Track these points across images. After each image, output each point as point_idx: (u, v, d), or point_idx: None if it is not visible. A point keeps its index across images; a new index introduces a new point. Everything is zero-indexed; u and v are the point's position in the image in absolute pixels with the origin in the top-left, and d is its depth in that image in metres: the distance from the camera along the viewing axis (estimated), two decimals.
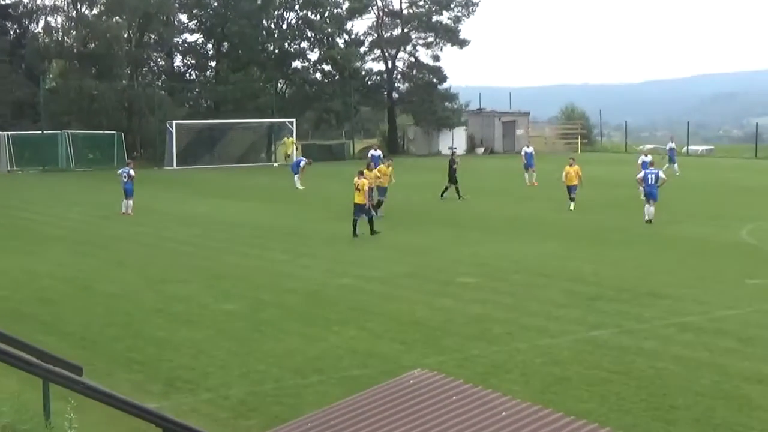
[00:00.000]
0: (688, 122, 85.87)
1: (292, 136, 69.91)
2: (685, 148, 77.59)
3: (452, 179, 43.22)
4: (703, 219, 34.62)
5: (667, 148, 57.30)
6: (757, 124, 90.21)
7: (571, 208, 37.61)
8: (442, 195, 43.47)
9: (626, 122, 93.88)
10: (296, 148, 67.84)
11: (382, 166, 38.60)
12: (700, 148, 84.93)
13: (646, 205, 34.52)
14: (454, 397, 7.64)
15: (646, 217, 34.17)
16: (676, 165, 54.96)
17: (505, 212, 37.59)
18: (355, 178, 32.51)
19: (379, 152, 53.06)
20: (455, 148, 49.98)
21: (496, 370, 15.90)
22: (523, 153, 50.27)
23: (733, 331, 18.44)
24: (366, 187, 32.13)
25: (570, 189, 38.61)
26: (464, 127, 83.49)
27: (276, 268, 26.01)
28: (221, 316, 20.30)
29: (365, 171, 33.99)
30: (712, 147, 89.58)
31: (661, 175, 35.73)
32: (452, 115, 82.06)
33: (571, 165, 39.04)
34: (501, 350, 17.11)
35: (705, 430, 13.05)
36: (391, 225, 34.72)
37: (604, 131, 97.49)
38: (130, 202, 38.17)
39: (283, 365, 16.34)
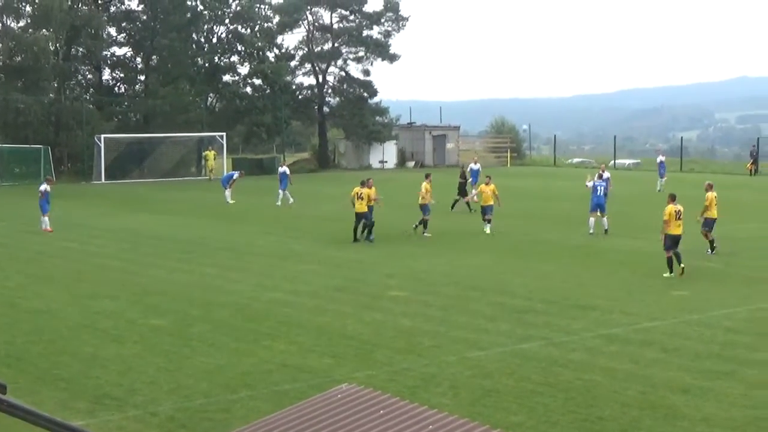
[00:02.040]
0: (615, 136, 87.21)
1: (214, 149, 69.56)
2: (612, 161, 78.60)
3: (462, 192, 42.89)
4: (630, 232, 35.05)
5: (657, 161, 57.67)
6: (681, 138, 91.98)
7: (487, 231, 35.38)
8: (452, 207, 43.28)
9: (555, 136, 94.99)
10: (229, 162, 67.55)
11: (425, 183, 36.43)
12: (627, 161, 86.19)
13: (591, 218, 34.81)
14: (382, 411, 7.62)
15: (590, 230, 34.55)
16: (662, 180, 55.42)
17: (438, 226, 37.69)
18: (358, 188, 33.92)
19: (478, 166, 50.47)
20: (463, 164, 49.29)
21: (425, 383, 15.92)
22: (468, 169, 49.36)
23: (659, 342, 18.69)
24: (373, 196, 34.06)
25: (485, 210, 35.97)
26: (395, 140, 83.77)
27: (205, 283, 25.80)
28: (149, 331, 20.07)
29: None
30: (639, 161, 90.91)
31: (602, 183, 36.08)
32: (383, 129, 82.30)
33: (487, 184, 36.63)
34: (431, 363, 17.15)
35: None
36: (323, 239, 34.70)
37: (533, 145, 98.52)
38: (46, 218, 37.46)
39: (213, 380, 16.20)
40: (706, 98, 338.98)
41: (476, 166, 49.95)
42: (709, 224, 30.41)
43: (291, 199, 47.64)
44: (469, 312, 21.68)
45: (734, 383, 15.84)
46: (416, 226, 35.46)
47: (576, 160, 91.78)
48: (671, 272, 26.33)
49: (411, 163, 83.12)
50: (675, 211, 26.65)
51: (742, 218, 40.37)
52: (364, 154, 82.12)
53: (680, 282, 25.52)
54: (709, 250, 30.21)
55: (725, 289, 24.51)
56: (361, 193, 33.66)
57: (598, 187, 35.26)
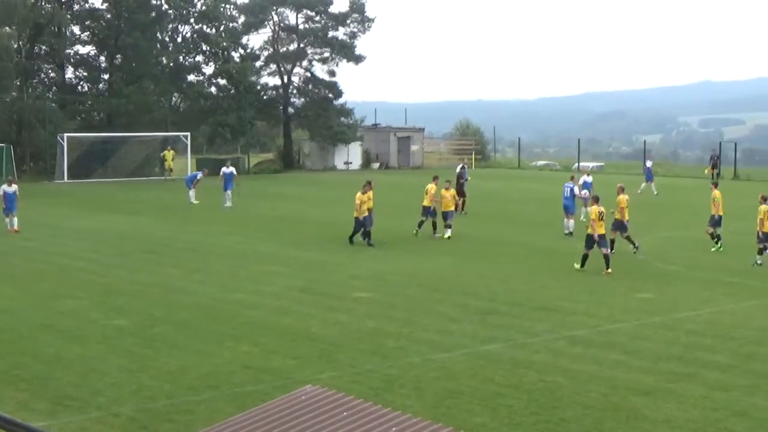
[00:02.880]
0: (579, 139, 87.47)
1: (173, 149, 69.13)
2: (576, 164, 78.95)
3: (461, 193, 42.17)
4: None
5: (646, 166, 57.42)
6: (645, 141, 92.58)
7: (447, 235, 34.79)
8: (462, 209, 42.70)
9: (519, 138, 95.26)
10: (193, 162, 67.17)
11: (431, 184, 35.82)
12: (591, 164, 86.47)
13: (565, 219, 35.38)
14: (345, 413, 7.61)
15: (566, 231, 35.31)
16: (653, 185, 55.09)
17: (402, 228, 37.72)
18: (359, 194, 33.51)
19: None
20: (465, 164, 47.95)
21: (389, 384, 15.93)
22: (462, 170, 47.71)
23: (621, 344, 18.81)
24: (433, 191, 33.94)
25: (446, 215, 35.19)
26: (360, 142, 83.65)
27: (169, 283, 25.68)
28: (112, 332, 19.95)
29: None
30: (603, 163, 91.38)
31: (577, 191, 36.41)
32: (348, 130, 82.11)
33: (447, 189, 35.85)
34: (394, 365, 17.16)
35: None
36: (287, 240, 34.63)
37: (498, 147, 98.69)
38: (8, 219, 37.08)
39: (176, 381, 16.13)
40: (669, 102, 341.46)
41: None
42: (715, 221, 32.34)
43: (228, 203, 46.84)
44: (433, 314, 21.72)
45: (695, 385, 15.97)
46: (419, 227, 35.49)
47: (540, 162, 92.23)
48: (582, 267, 28.01)
49: (376, 165, 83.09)
50: (599, 212, 28.09)
51: (703, 222, 40.68)
52: (328, 155, 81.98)
53: (643, 284, 25.72)
54: (715, 244, 32.00)
55: (687, 292, 24.71)
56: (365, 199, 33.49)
57: (566, 189, 35.85)
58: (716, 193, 32.42)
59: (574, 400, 15.10)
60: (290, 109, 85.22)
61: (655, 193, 53.95)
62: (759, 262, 29.23)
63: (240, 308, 22.36)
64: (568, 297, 23.80)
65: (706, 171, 68.62)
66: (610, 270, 27.44)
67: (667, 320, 21.13)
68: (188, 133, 70.51)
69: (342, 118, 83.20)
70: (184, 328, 20.31)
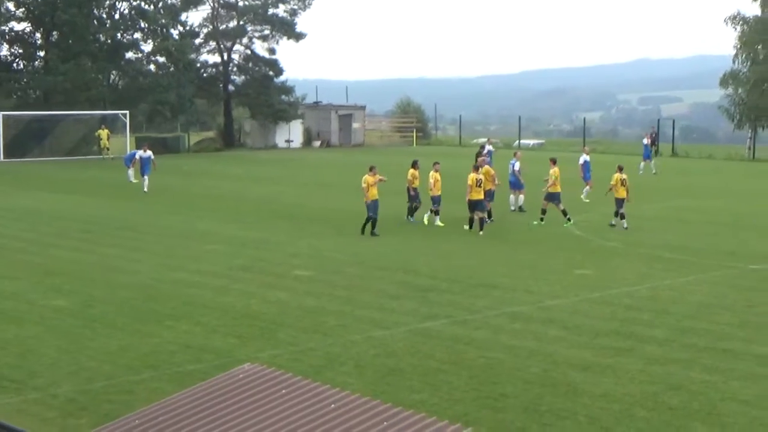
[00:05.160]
0: (519, 117, 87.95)
1: (107, 128, 68.33)
2: (517, 141, 79.40)
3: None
4: (532, 211, 35.40)
5: (644, 143, 57.27)
6: (584, 118, 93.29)
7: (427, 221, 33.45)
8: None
9: (460, 116, 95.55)
10: (132, 140, 66.50)
11: (432, 172, 33.26)
12: (531, 141, 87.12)
13: (511, 196, 36.50)
14: (284, 391, 7.63)
15: (512, 207, 36.34)
16: (652, 162, 55.11)
17: (344, 205, 37.73)
18: (473, 174, 31.50)
19: (490, 147, 46.53)
20: (484, 141, 46.60)
21: (330, 362, 15.96)
22: (486, 151, 46.17)
23: (561, 320, 19.01)
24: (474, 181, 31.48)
25: (435, 199, 33.39)
26: (301, 120, 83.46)
27: (108, 263, 25.46)
28: (50, 312, 19.76)
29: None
30: (543, 141, 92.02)
31: (517, 167, 36.60)
32: (289, 108, 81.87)
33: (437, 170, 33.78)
34: (335, 343, 17.19)
35: (533, 417, 13.39)
36: (228, 218, 34.49)
37: (439, 124, 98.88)
38: None
39: (115, 362, 16.03)
40: (608, 80, 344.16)
41: (491, 147, 48.06)
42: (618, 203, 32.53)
43: (145, 188, 44.21)
44: (374, 291, 21.79)
45: (633, 359, 16.19)
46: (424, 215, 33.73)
47: (481, 140, 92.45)
48: (470, 227, 31.11)
49: (317, 143, 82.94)
50: (476, 179, 30.97)
51: (642, 198, 41.19)
52: (269, 134, 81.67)
53: (582, 261, 25.99)
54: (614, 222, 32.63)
55: (626, 268, 25.00)
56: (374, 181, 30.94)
57: (511, 166, 36.54)
58: (555, 170, 33.18)
59: (514, 375, 15.24)
60: (230, 87, 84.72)
61: (654, 171, 54.04)
62: (614, 223, 32.52)
63: (180, 287, 22.25)
64: (509, 273, 23.98)
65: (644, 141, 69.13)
66: (482, 232, 30.50)
67: (606, 296, 21.38)
68: (127, 112, 69.80)
69: (283, 96, 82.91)
70: (123, 308, 20.17)
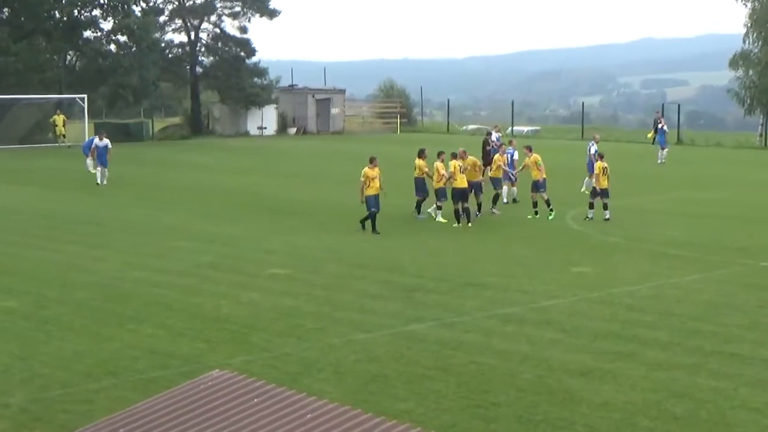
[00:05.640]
0: (513, 101, 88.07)
1: (63, 113, 68.09)
2: (510, 128, 79.49)
3: (487, 161, 40.64)
4: (527, 204, 35.47)
5: (660, 128, 57.16)
6: (583, 103, 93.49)
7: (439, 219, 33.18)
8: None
9: (448, 100, 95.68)
10: (91, 127, 66.27)
11: (438, 163, 32.51)
12: (525, 128, 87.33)
13: (505, 187, 36.31)
14: (256, 400, 7.63)
15: (504, 200, 36.17)
16: (665, 152, 54.92)
17: (323, 197, 37.73)
18: (455, 162, 31.57)
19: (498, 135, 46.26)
20: (492, 130, 46.41)
21: (307, 369, 15.95)
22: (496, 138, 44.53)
23: (557, 322, 19.04)
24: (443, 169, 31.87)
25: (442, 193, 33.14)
26: (275, 105, 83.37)
27: (65, 261, 25.40)
28: (0, 315, 19.69)
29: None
30: (538, 127, 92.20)
31: (516, 156, 36.88)
32: (261, 91, 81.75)
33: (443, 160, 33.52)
34: (313, 347, 17.19)
35: (527, 428, 13.41)
36: (196, 212, 34.44)
37: (425, 110, 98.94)
38: None
39: (72, 368, 15.98)
40: (608, 61, 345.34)
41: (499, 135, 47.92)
42: (595, 193, 32.94)
43: (103, 180, 43.71)
44: (355, 291, 21.79)
45: (634, 365, 16.24)
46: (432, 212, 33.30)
47: (471, 126, 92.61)
48: (458, 222, 31.34)
49: (293, 130, 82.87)
50: (459, 165, 31.41)
51: (644, 190, 41.36)
52: (241, 120, 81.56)
53: (581, 257, 26.05)
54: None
55: (628, 265, 25.07)
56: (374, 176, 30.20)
57: (507, 155, 36.63)
58: (535, 156, 33.67)
59: (506, 382, 15.26)
60: (198, 69, 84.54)
61: (659, 161, 54.21)
62: (591, 216, 32.72)
63: (144, 287, 22.20)
64: (501, 272, 24.02)
65: (648, 135, 69.14)
66: (456, 225, 31.22)
67: (606, 296, 21.43)
68: (85, 96, 69.50)
69: (255, 79, 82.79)
70: (81, 309, 20.11)
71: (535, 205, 33.33)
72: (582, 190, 38.79)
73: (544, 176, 33.34)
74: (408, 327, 18.61)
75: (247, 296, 21.23)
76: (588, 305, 20.58)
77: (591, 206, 32.71)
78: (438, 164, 32.16)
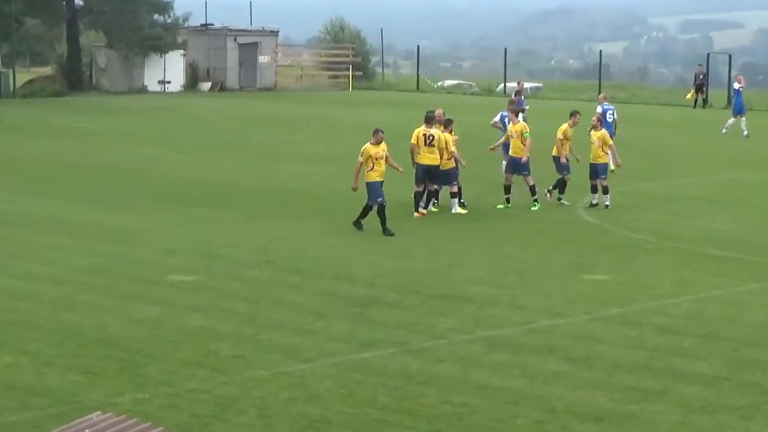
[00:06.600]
0: (506, 49, 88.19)
1: None
2: (502, 84, 79.65)
3: None
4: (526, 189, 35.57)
5: (735, 89, 57.09)
6: (601, 51, 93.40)
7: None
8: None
9: (418, 47, 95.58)
10: None
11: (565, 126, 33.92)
12: (525, 85, 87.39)
13: (503, 162, 35.83)
14: None
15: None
16: (743, 119, 54.74)
17: (248, 178, 37.66)
18: (430, 130, 31.38)
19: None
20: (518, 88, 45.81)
21: (223, 410, 15.91)
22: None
23: (562, 348, 19.06)
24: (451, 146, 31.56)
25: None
26: (182, 51, 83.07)
27: None
28: None
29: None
30: (540, 84, 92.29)
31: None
32: (164, 32, 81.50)
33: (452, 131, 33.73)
34: (231, 381, 17.15)
35: None
36: (76, 198, 34.29)
37: (387, 59, 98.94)
38: None
39: None
40: None
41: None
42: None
43: None
44: (289, 306, 21.77)
45: (668, 406, 16.28)
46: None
47: (449, 82, 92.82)
48: (423, 210, 31.44)
49: (206, 85, 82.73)
50: (424, 134, 31.23)
51: (681, 170, 41.52)
52: (136, 71, 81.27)
53: (595, 261, 26.09)
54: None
55: (658, 272, 25.14)
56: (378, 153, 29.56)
57: (505, 120, 36.58)
58: (522, 125, 33.65)
59: (494, 430, 15.28)
60: (78, 2, 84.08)
61: (745, 133, 54.19)
62: (595, 202, 33.35)
63: (2, 299, 22.10)
64: (487, 279, 24.04)
65: (688, 96, 69.61)
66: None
67: (630, 313, 21.50)
68: None
69: (156, 15, 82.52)
70: None
71: (507, 190, 32.90)
72: (611, 169, 38.68)
73: (528, 154, 32.67)
74: (360, 354, 18.60)
75: (141, 311, 21.16)
76: (604, 326, 20.62)
77: (605, 190, 32.58)
78: (447, 137, 31.85)
